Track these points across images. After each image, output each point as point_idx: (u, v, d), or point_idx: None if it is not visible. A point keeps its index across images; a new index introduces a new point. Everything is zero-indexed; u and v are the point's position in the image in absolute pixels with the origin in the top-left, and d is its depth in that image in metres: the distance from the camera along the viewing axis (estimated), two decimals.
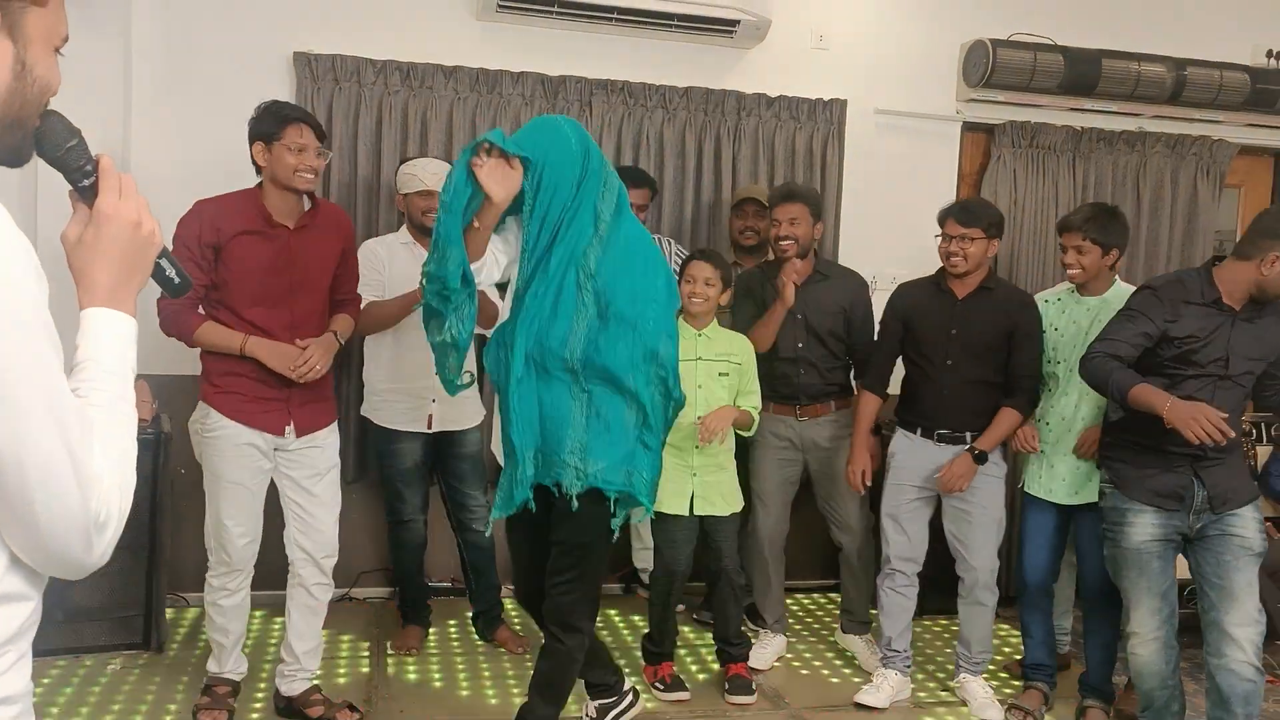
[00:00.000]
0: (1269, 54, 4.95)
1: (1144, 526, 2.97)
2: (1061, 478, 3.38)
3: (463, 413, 3.71)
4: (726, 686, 3.51)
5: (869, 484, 3.63)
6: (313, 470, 3.07)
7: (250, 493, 3.01)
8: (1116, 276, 3.44)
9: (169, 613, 3.82)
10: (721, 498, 3.44)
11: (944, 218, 3.47)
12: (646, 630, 3.66)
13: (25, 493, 0.96)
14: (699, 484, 3.40)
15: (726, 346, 3.45)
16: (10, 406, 0.94)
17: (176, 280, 1.23)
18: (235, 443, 2.97)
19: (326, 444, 3.11)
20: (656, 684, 3.50)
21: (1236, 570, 2.91)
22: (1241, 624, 2.88)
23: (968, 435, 3.44)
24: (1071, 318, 3.40)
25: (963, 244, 3.39)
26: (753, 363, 3.49)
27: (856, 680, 3.67)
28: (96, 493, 1.00)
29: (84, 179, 1.14)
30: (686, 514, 3.40)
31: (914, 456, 3.52)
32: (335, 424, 3.17)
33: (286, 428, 3.02)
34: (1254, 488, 3.00)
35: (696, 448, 3.35)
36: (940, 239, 3.47)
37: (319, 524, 3.09)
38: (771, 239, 3.72)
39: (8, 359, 0.93)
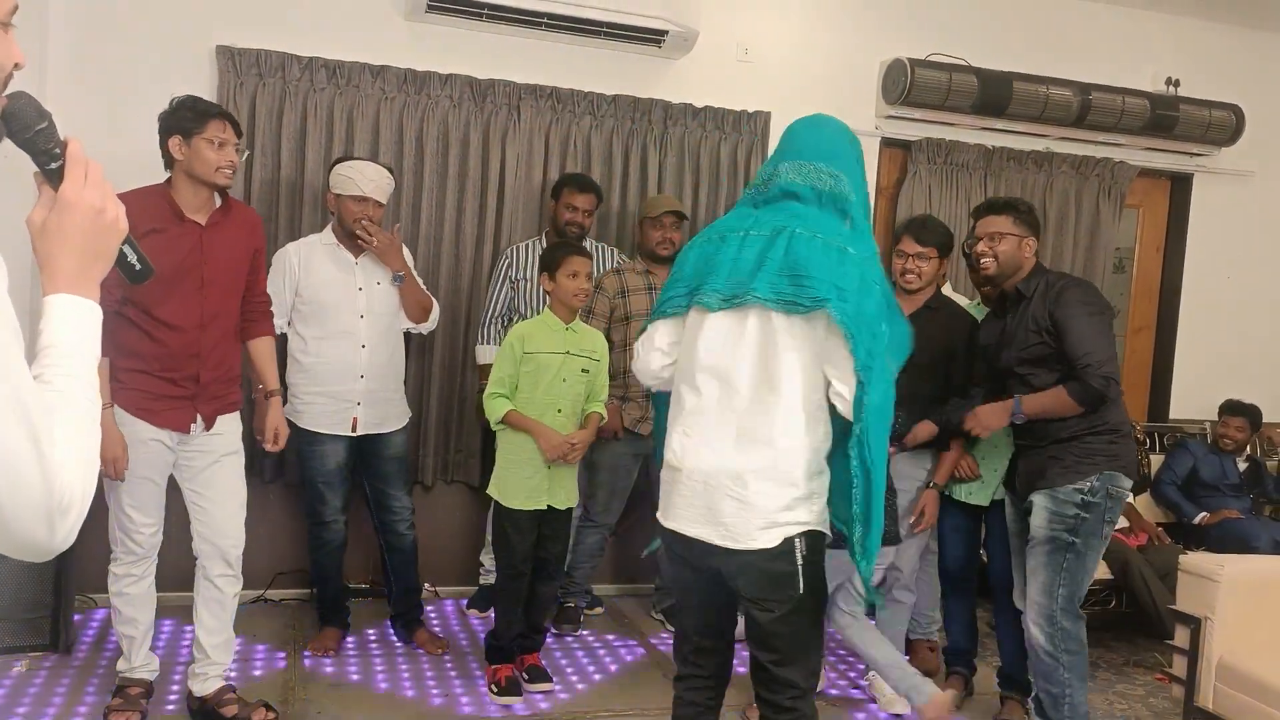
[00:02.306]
0: (1168, 81, 5.21)
1: (1007, 510, 3.31)
2: (984, 482, 3.52)
3: (388, 415, 3.70)
4: (526, 677, 3.50)
5: None
6: (212, 456, 3.03)
7: (155, 485, 2.98)
8: None
9: (77, 613, 3.73)
10: (565, 492, 3.46)
11: (900, 233, 3.54)
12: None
13: None
14: (553, 477, 3.40)
15: (590, 343, 3.50)
16: None
17: (138, 267, 1.23)
18: (140, 439, 2.91)
19: (228, 429, 3.07)
20: (491, 685, 3.47)
21: (1027, 555, 3.14)
22: (1028, 609, 3.11)
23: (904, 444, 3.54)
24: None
25: (918, 262, 3.45)
26: (607, 361, 3.57)
27: None
28: (59, 478, 1.00)
29: (51, 162, 1.13)
30: (538, 507, 3.40)
31: None
32: (238, 412, 3.13)
33: (193, 424, 2.98)
34: (1055, 477, 3.04)
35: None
36: (895, 255, 3.54)
37: (222, 511, 3.05)
38: None
39: None
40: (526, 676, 3.51)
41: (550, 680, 3.53)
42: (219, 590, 3.08)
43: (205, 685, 3.10)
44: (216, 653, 3.10)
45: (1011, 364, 3.13)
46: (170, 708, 3.21)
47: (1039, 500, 3.08)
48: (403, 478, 3.77)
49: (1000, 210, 3.20)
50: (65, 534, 1.01)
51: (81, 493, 1.03)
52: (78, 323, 1.11)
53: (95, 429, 1.08)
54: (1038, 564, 3.07)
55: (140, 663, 3.10)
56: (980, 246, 3.18)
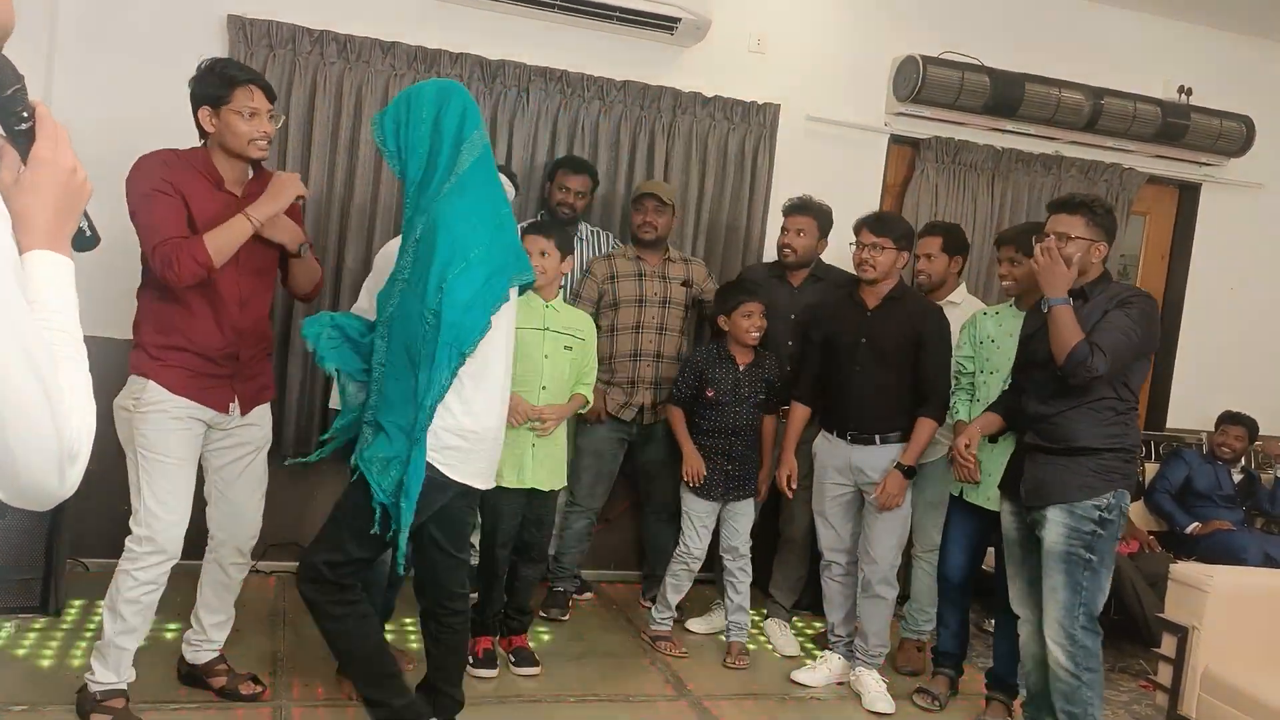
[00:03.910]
0: (1180, 89, 5.19)
1: (1005, 515, 3.21)
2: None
3: None
4: (512, 660, 3.54)
5: (794, 487, 3.79)
6: (248, 448, 2.99)
7: (191, 470, 2.86)
8: None
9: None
10: (549, 473, 3.47)
11: (859, 227, 3.61)
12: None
13: (2, 436, 0.97)
14: (533, 456, 3.41)
15: (575, 321, 3.54)
16: None
17: (88, 234, 1.25)
18: (179, 416, 2.78)
19: (263, 421, 3.03)
20: (469, 657, 3.46)
21: (1045, 572, 3.02)
22: (1047, 627, 3.03)
23: (876, 438, 3.58)
24: (1008, 330, 3.48)
25: (874, 253, 3.52)
26: (595, 343, 3.61)
27: (758, 669, 3.79)
28: (69, 425, 1.02)
29: (20, 123, 1.15)
30: (519, 486, 3.40)
31: (832, 456, 3.68)
32: (269, 403, 3.08)
33: (231, 404, 2.89)
34: (1073, 492, 2.95)
35: (535, 421, 3.41)
36: (854, 247, 3.60)
37: (246, 504, 3.02)
38: (779, 245, 4.03)
39: None
40: (514, 659, 3.53)
41: (537, 664, 3.53)
42: (228, 576, 3.07)
43: (198, 655, 3.11)
44: (214, 631, 3.10)
45: (1045, 357, 2.98)
46: (158, 669, 3.21)
47: (1055, 515, 2.97)
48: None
49: (1074, 210, 2.99)
50: (72, 481, 1.05)
51: (87, 440, 1.06)
52: (58, 276, 1.13)
53: (88, 379, 1.10)
54: (1056, 583, 2.98)
55: (127, 675, 2.88)
56: (1046, 244, 3.00)
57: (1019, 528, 3.17)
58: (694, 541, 3.84)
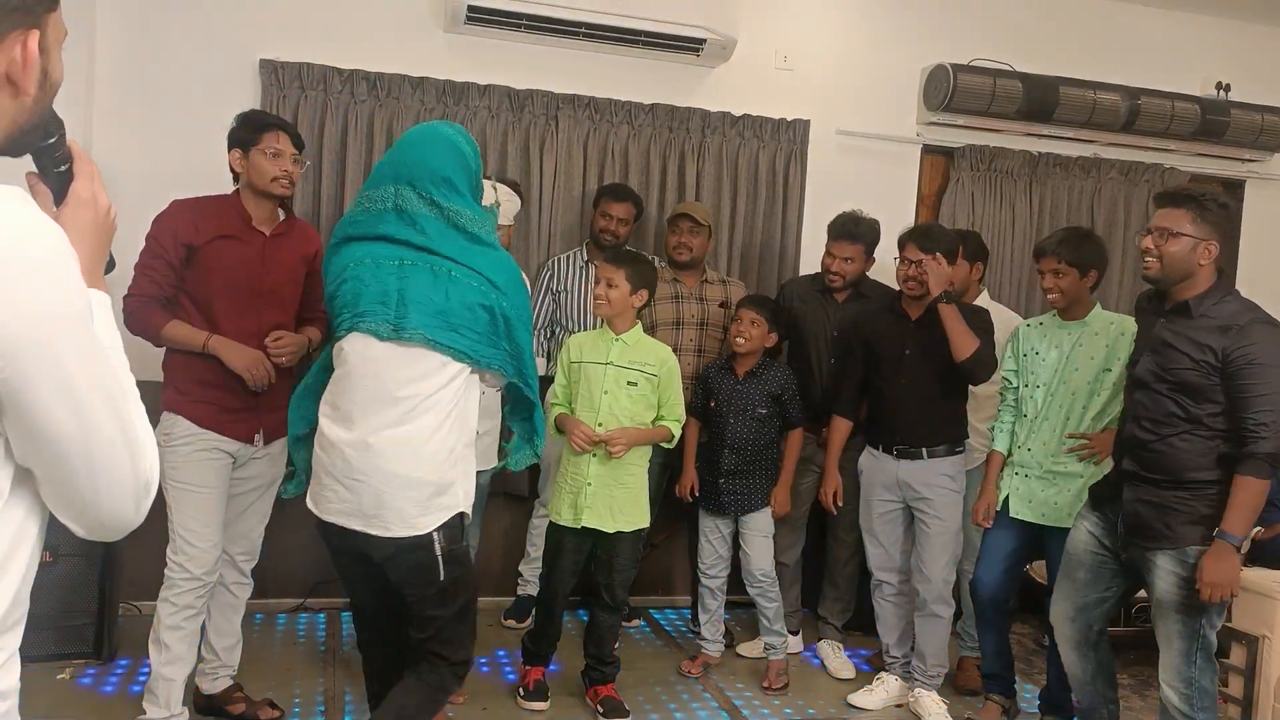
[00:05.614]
0: (1218, 86, 5.10)
1: (1082, 530, 3.02)
2: (1052, 501, 3.30)
3: (488, 451, 3.46)
4: (600, 710, 3.37)
5: (840, 504, 3.72)
6: (262, 480, 3.07)
7: (220, 498, 2.97)
8: (1097, 302, 3.40)
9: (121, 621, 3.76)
10: (611, 513, 3.28)
11: (904, 242, 3.51)
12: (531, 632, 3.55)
13: (91, 476, 1.02)
14: (590, 495, 3.26)
15: (644, 355, 3.30)
16: (74, 400, 0.98)
17: (109, 257, 1.27)
18: (205, 448, 2.91)
19: (279, 456, 3.07)
20: (519, 689, 3.46)
21: (1156, 618, 2.82)
22: (1162, 670, 2.82)
23: (924, 451, 3.50)
24: (1054, 342, 3.34)
25: (921, 269, 3.43)
26: (675, 376, 3.33)
27: (814, 692, 3.72)
28: (144, 460, 1.07)
29: (60, 165, 1.18)
30: (573, 525, 3.28)
31: (878, 472, 3.61)
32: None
33: (256, 435, 2.99)
34: (1181, 533, 2.70)
35: (595, 456, 3.25)
36: (899, 262, 3.52)
37: (249, 530, 3.10)
38: (824, 267, 3.95)
39: (64, 356, 0.97)
40: (602, 710, 3.38)
41: (627, 714, 3.36)
42: (234, 595, 3.13)
43: (215, 684, 3.16)
44: (227, 655, 3.16)
45: (1146, 377, 2.78)
46: None
47: (1164, 563, 2.72)
48: (478, 520, 3.45)
49: (1180, 203, 2.70)
50: (144, 511, 1.09)
51: (156, 471, 1.10)
52: (105, 316, 1.14)
53: (144, 409, 1.12)
54: (1171, 632, 2.74)
55: (178, 710, 2.98)
56: (1146, 242, 2.74)
57: (1093, 549, 2.97)
58: (701, 554, 3.83)
